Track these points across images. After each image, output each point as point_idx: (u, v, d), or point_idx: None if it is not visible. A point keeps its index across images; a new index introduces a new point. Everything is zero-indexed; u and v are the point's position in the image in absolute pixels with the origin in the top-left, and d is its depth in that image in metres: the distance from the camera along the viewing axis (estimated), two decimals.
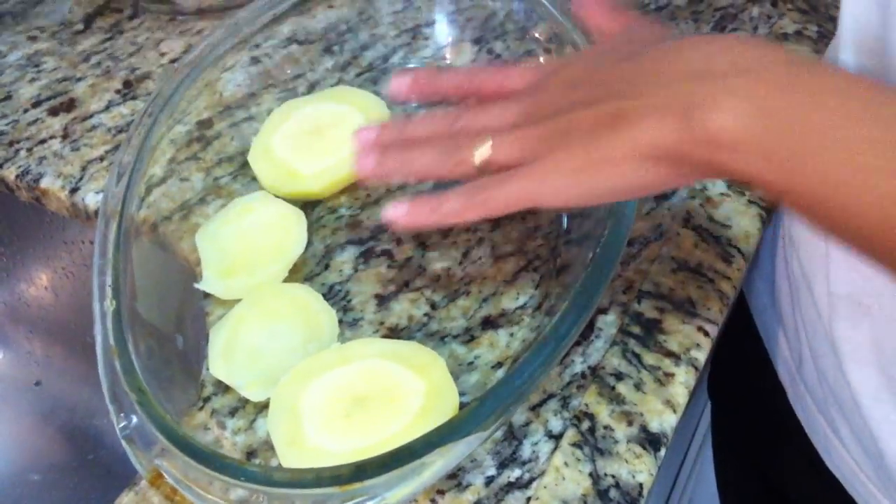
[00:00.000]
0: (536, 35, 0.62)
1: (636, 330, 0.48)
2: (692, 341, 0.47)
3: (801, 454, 0.52)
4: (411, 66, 0.58)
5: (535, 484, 0.43)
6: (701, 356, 0.47)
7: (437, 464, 0.37)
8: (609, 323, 0.49)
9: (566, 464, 0.43)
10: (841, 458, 0.49)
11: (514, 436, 0.45)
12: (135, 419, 0.39)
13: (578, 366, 0.47)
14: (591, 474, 0.43)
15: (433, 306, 0.50)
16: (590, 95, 0.37)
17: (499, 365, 0.47)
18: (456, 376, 0.46)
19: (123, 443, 0.39)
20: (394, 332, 0.50)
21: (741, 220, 0.53)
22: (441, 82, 0.46)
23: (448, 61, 0.65)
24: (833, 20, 0.66)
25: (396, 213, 0.42)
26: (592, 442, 0.44)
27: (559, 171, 0.37)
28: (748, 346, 0.59)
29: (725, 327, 0.53)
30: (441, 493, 0.43)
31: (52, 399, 0.73)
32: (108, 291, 0.44)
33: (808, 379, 0.51)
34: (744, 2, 0.69)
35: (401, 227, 0.42)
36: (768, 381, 0.56)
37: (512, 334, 0.49)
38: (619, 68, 0.38)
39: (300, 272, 0.52)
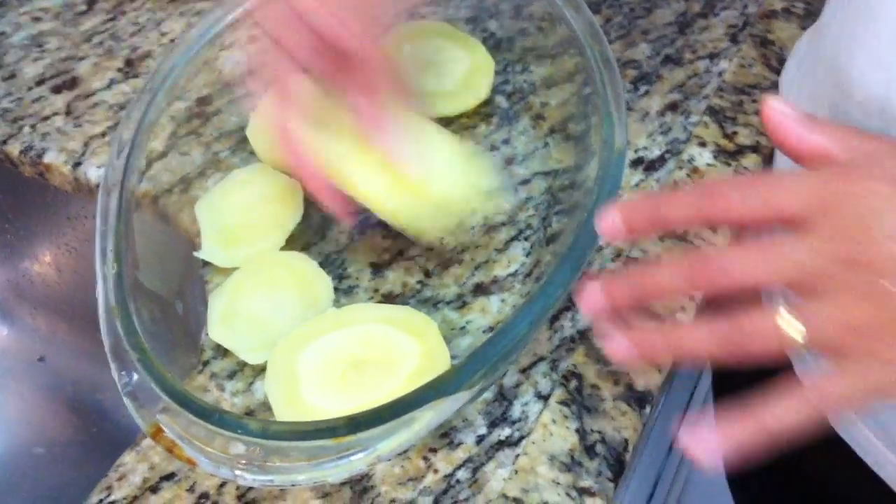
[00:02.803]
0: (531, 13, 0.63)
1: None
2: (678, 303, 0.49)
3: None
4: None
5: (524, 442, 0.44)
6: (686, 318, 0.48)
7: (428, 417, 0.39)
8: None
9: (554, 421, 0.45)
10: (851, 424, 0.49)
11: (504, 397, 0.46)
12: (136, 376, 0.41)
13: (567, 330, 0.49)
14: (577, 430, 0.44)
15: (427, 274, 0.52)
16: None
17: (490, 329, 0.49)
18: (448, 340, 0.47)
19: (125, 399, 0.40)
20: (388, 299, 0.51)
21: None
22: (667, 214, 0.34)
23: None
24: None
25: (710, 445, 0.32)
26: (579, 400, 0.45)
27: None
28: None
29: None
30: (434, 451, 0.45)
31: (56, 374, 0.75)
32: (110, 255, 0.45)
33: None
34: None
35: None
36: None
37: (503, 300, 0.50)
38: None
39: (297, 242, 0.54)
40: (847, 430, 0.50)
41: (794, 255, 0.31)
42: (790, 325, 0.31)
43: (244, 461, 0.38)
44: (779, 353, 0.31)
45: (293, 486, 0.39)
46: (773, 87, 0.61)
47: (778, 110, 0.34)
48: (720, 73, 0.62)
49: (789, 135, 0.34)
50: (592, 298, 0.35)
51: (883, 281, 0.29)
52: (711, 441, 0.32)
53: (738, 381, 0.66)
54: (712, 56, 0.64)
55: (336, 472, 0.38)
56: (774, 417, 0.32)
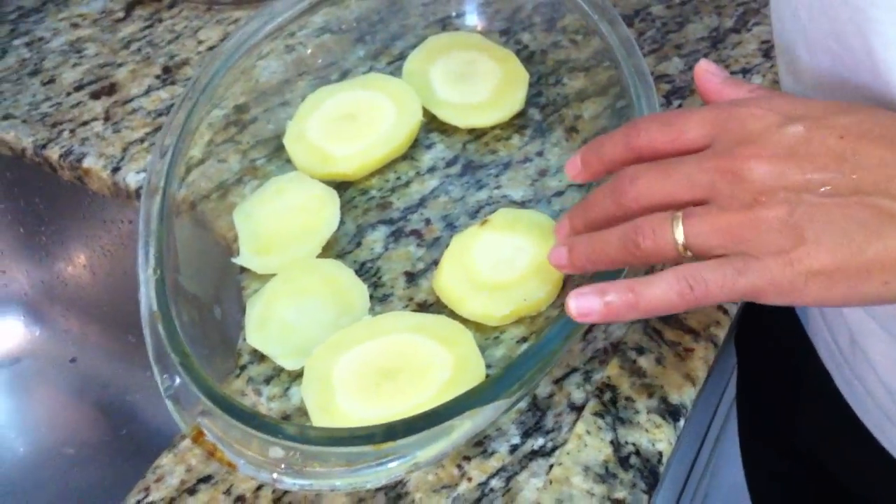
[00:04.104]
0: (564, 26, 0.64)
1: None
2: (712, 319, 0.49)
3: (830, 411, 0.53)
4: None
5: (557, 452, 0.45)
6: (721, 333, 0.48)
7: (465, 426, 0.39)
8: None
9: (588, 432, 0.45)
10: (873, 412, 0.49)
11: (537, 407, 0.47)
12: (178, 380, 0.41)
13: (601, 342, 0.49)
14: (612, 442, 0.45)
15: None
16: (837, 180, 0.32)
17: (524, 340, 0.49)
18: (483, 350, 0.48)
19: (167, 401, 0.41)
20: (423, 308, 0.51)
21: None
22: (607, 152, 0.40)
23: None
24: None
25: (589, 306, 0.37)
26: (614, 412, 0.46)
27: (811, 272, 0.32)
28: (780, 318, 0.59)
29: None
30: (467, 459, 0.45)
31: (88, 376, 0.76)
32: (152, 259, 0.46)
33: (854, 362, 0.51)
34: None
35: (595, 321, 0.38)
36: (793, 339, 0.56)
37: (538, 311, 0.50)
38: (875, 149, 0.32)
39: (332, 250, 0.54)
40: (882, 432, 0.50)
41: (687, 172, 0.35)
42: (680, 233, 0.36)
43: (283, 465, 0.39)
44: (673, 258, 0.36)
45: (332, 490, 0.39)
46: None
47: (707, 70, 0.41)
48: None
49: (710, 88, 0.40)
50: (556, 255, 0.41)
51: (749, 189, 0.34)
52: (593, 301, 0.37)
53: (762, 394, 0.67)
54: (745, 71, 0.64)
55: (374, 478, 0.39)
56: (647, 292, 0.36)
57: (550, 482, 0.43)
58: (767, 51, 0.66)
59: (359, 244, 0.55)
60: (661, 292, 0.35)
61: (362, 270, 0.53)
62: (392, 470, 0.39)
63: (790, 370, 0.60)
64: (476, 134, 0.61)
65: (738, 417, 0.73)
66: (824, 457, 0.58)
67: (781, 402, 0.63)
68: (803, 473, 0.63)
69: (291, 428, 0.39)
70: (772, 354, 0.64)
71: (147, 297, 0.45)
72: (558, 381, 0.48)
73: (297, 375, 0.49)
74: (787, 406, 0.62)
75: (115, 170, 0.62)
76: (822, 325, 0.53)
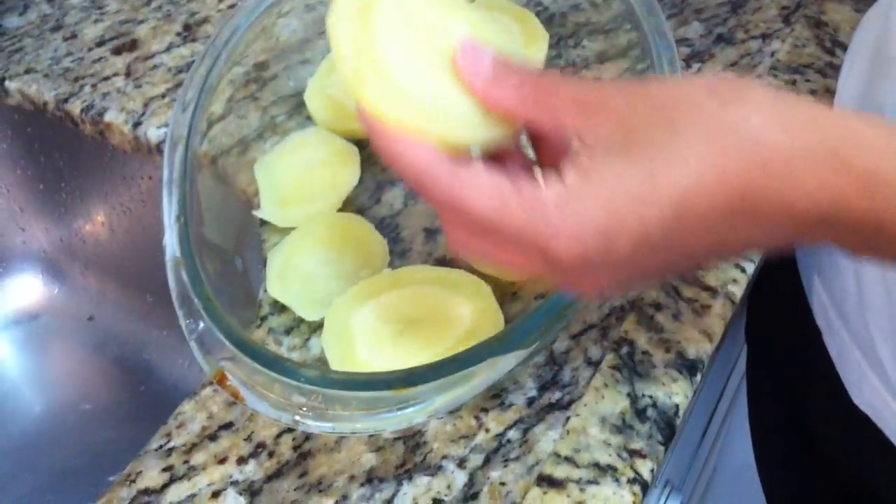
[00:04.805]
0: None
1: None
2: (729, 277, 0.49)
3: (830, 394, 0.53)
4: None
5: (574, 405, 0.45)
6: (738, 291, 0.49)
7: (484, 374, 0.40)
8: None
9: (605, 384, 0.45)
10: (873, 390, 0.50)
11: (554, 361, 0.47)
12: (202, 324, 0.42)
13: (618, 299, 0.49)
14: (629, 394, 0.45)
15: None
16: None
17: (541, 296, 0.49)
18: (501, 305, 0.48)
19: (192, 344, 0.41)
20: (441, 263, 0.52)
21: None
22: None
23: None
24: None
25: None
26: (631, 365, 0.46)
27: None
28: (786, 289, 0.60)
29: (768, 272, 0.54)
30: (485, 410, 0.45)
31: (105, 333, 0.76)
32: (175, 207, 0.46)
33: (848, 314, 0.51)
34: None
35: None
36: (803, 324, 0.57)
37: None
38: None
39: (352, 205, 0.55)
40: (863, 396, 0.50)
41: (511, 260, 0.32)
42: None
43: (305, 408, 0.39)
44: None
45: (353, 433, 0.40)
46: (828, 67, 0.61)
47: (467, 69, 0.35)
48: (772, 54, 0.62)
49: (475, 88, 0.34)
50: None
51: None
52: None
53: (772, 357, 0.67)
54: (765, 36, 0.64)
55: (394, 422, 0.39)
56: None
57: (567, 432, 0.44)
58: (787, 16, 0.65)
59: (378, 200, 0.55)
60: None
61: (382, 226, 0.54)
62: (411, 415, 0.39)
63: (798, 360, 0.60)
64: None
65: (748, 405, 0.73)
66: (830, 446, 0.59)
67: (790, 391, 0.63)
68: (814, 462, 0.63)
69: (313, 371, 0.40)
70: (780, 344, 0.64)
71: (171, 243, 0.45)
72: (575, 337, 0.48)
73: (317, 326, 0.49)
74: (795, 394, 0.62)
75: (137, 124, 0.62)
76: (820, 289, 0.54)
